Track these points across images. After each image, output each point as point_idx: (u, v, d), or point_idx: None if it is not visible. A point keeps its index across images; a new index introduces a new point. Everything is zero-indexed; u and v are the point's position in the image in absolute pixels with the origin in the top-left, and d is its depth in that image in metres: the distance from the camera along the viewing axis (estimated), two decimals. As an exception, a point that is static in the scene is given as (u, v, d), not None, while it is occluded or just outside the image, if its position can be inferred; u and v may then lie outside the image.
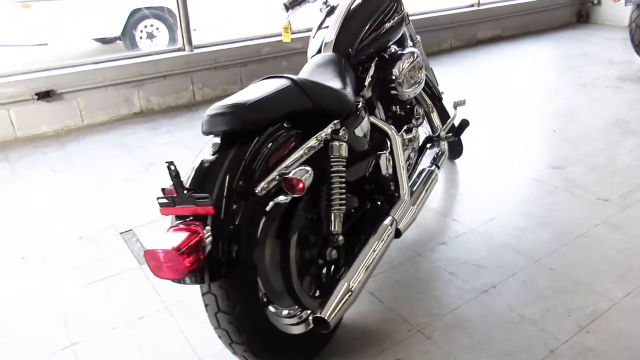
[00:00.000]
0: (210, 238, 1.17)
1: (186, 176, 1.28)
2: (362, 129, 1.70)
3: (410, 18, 5.09)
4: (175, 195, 1.20)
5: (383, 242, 1.58)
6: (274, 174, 1.28)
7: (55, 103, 3.57)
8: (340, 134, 1.50)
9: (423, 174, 2.10)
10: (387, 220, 1.67)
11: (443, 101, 2.83)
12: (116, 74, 3.74)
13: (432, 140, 2.29)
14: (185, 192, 1.19)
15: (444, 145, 2.32)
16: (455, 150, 2.81)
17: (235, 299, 1.26)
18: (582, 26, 6.46)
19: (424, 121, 2.30)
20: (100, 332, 1.74)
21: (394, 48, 2.12)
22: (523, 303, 1.80)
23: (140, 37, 5.73)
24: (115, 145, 3.36)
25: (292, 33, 2.29)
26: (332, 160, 1.48)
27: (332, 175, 1.48)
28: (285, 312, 1.51)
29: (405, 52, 2.08)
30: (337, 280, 1.41)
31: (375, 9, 1.99)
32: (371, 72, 1.95)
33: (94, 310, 1.85)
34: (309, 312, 1.50)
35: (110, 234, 2.34)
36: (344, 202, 1.49)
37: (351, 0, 2.04)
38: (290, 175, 1.24)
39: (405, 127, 2.15)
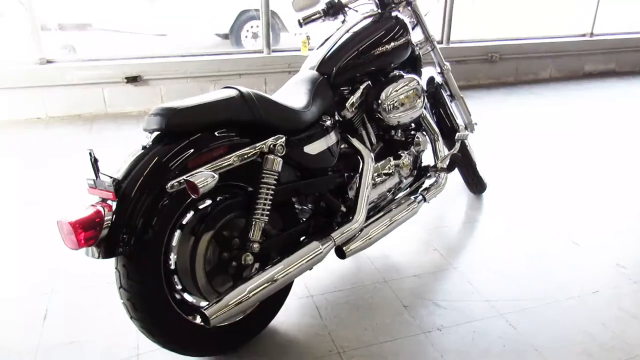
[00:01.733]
0: (109, 220, 1.33)
1: (119, 165, 1.46)
2: (318, 146, 1.75)
3: (504, 42, 4.89)
4: (95, 178, 1.39)
5: (306, 259, 1.62)
6: (186, 176, 1.40)
7: (142, 87, 4.04)
8: (276, 149, 1.57)
9: (401, 202, 2.07)
10: (323, 240, 1.70)
11: (475, 132, 2.74)
12: (196, 67, 4.12)
13: (427, 170, 2.23)
14: (100, 176, 1.37)
15: (442, 177, 2.24)
16: (473, 184, 2.68)
17: (133, 279, 1.40)
18: None
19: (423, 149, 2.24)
20: (75, 288, 2.01)
21: (397, 72, 2.12)
22: (458, 354, 1.70)
23: (246, 36, 6.18)
24: (179, 131, 3.72)
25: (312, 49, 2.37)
26: (263, 172, 1.56)
27: (260, 185, 1.56)
28: (204, 303, 1.62)
29: (404, 77, 2.07)
30: (239, 284, 1.49)
31: (373, 32, 2.00)
32: (358, 93, 1.98)
33: (79, 268, 2.12)
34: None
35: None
36: (266, 212, 1.56)
37: (357, 21, 2.09)
38: (190, 177, 1.35)
39: (398, 153, 2.14)
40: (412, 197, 2.11)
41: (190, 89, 4.14)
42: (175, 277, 1.54)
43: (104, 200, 1.40)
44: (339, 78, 1.93)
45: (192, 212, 1.55)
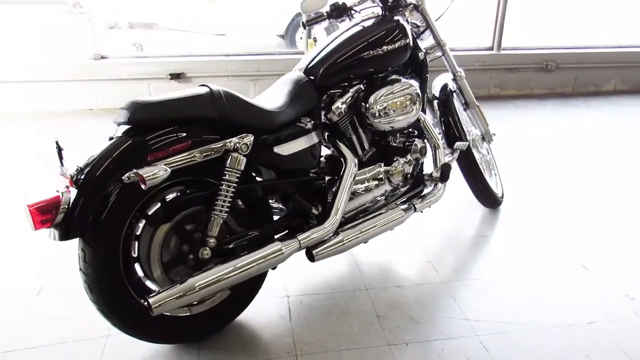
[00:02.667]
0: (67, 206, 1.42)
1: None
2: (291, 147, 1.75)
3: (561, 51, 4.60)
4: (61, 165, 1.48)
5: (265, 258, 1.62)
6: (137, 168, 1.44)
7: (184, 84, 4.22)
8: (240, 147, 1.59)
9: (388, 210, 2.01)
10: (287, 241, 1.69)
11: (492, 144, 2.62)
12: (237, 67, 4.25)
13: (422, 179, 2.15)
14: (64, 164, 1.46)
15: (439, 187, 2.15)
16: (483, 197, 2.54)
17: (89, 263, 1.48)
18: None
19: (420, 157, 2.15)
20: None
21: (394, 76, 2.06)
22: (419, 369, 1.64)
23: (300, 38, 6.26)
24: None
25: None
26: (225, 169, 1.58)
27: (222, 182, 1.58)
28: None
29: (400, 81, 2.00)
30: (189, 277, 1.53)
31: (366, 34, 1.96)
32: (346, 96, 1.94)
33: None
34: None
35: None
36: (226, 209, 1.59)
37: (355, 23, 2.06)
38: (139, 170, 1.40)
39: (393, 159, 2.07)
40: (400, 205, 2.04)
41: (232, 87, 4.25)
42: (138, 264, 1.61)
43: (68, 186, 1.49)
44: (326, 80, 1.90)
45: (159, 204, 1.61)
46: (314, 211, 1.83)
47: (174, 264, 1.61)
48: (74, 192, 1.44)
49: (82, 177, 1.44)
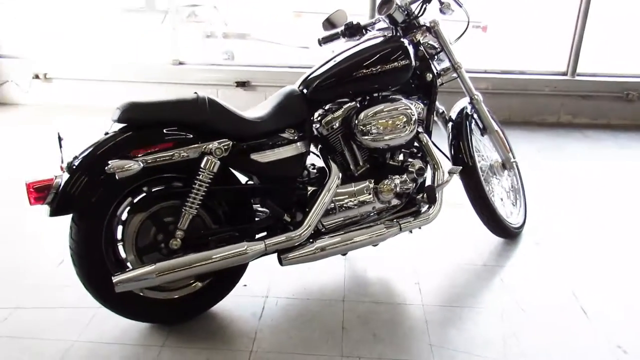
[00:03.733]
0: (57, 188, 1.65)
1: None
2: (270, 156, 1.85)
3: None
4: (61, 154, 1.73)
5: (226, 256, 1.74)
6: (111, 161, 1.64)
7: (249, 92, 4.51)
8: (214, 151, 1.73)
9: (371, 225, 2.03)
10: (253, 243, 1.80)
11: (516, 169, 2.53)
12: (294, 78, 4.42)
13: (414, 199, 2.14)
14: (62, 152, 1.71)
15: (433, 208, 2.11)
16: (491, 226, 2.43)
17: (73, 239, 1.71)
18: None
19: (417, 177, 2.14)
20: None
21: (395, 95, 2.08)
22: (359, 384, 1.66)
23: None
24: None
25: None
26: (200, 170, 1.73)
27: (195, 181, 1.74)
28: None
29: (396, 100, 2.03)
30: (155, 262, 1.70)
31: (364, 53, 2.00)
32: (338, 112, 2.01)
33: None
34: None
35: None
36: (196, 205, 1.74)
37: (360, 42, 2.12)
38: (113, 162, 1.60)
39: (389, 177, 2.09)
40: (384, 223, 2.05)
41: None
42: (121, 246, 1.81)
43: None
44: (318, 94, 1.99)
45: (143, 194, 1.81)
46: (286, 217, 1.91)
47: (147, 250, 1.79)
48: (65, 176, 1.68)
49: (73, 164, 1.67)
